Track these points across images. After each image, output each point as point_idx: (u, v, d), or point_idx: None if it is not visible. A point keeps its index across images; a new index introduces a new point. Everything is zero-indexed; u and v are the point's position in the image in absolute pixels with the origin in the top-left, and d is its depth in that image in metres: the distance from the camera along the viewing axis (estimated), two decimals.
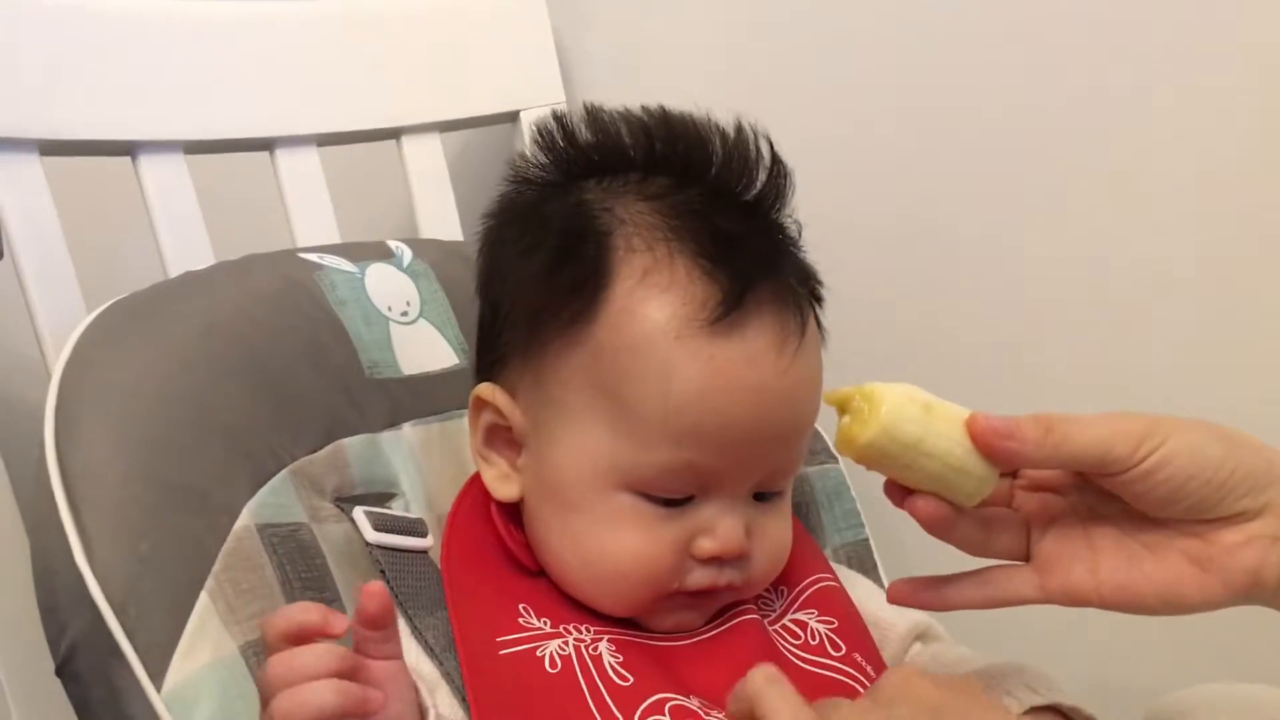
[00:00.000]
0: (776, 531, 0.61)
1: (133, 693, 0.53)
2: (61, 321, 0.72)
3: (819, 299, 0.62)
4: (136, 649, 0.53)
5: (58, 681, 0.61)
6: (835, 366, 0.64)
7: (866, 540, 0.79)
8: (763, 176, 0.60)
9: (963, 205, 0.94)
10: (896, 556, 0.80)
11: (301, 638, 0.48)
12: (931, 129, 0.94)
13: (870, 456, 0.51)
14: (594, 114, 0.62)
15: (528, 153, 0.63)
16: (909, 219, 0.96)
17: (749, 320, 0.56)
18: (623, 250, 0.57)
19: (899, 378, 0.53)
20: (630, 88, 0.69)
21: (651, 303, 0.56)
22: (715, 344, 0.55)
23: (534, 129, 0.63)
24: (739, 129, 0.60)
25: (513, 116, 0.96)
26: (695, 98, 0.63)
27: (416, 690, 0.52)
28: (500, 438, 0.62)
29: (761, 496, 0.60)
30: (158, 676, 0.52)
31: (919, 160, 0.95)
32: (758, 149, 0.60)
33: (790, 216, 0.62)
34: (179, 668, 0.53)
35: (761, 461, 0.58)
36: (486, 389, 0.61)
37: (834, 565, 0.72)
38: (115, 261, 0.78)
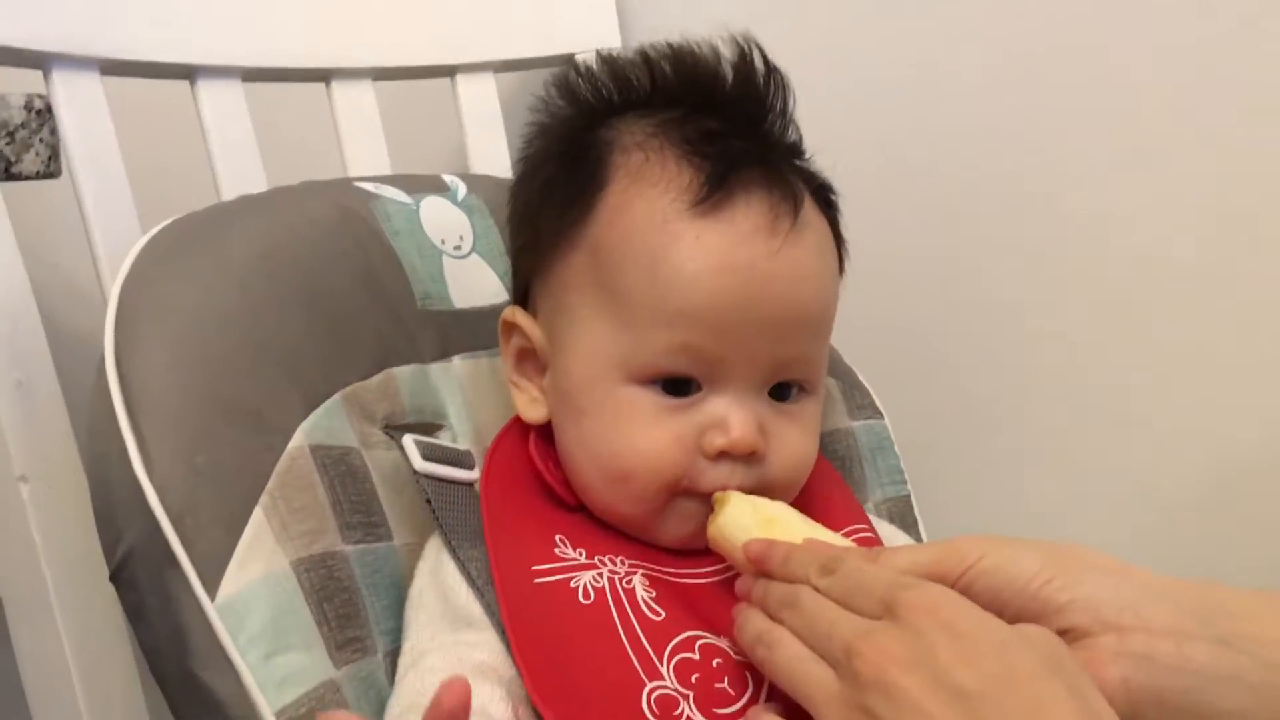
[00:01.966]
0: (795, 438, 0.60)
1: (186, 601, 0.53)
2: (117, 241, 0.72)
3: (831, 205, 0.63)
4: (192, 559, 0.53)
5: (104, 592, 0.62)
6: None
7: (908, 496, 0.79)
8: (759, 89, 0.62)
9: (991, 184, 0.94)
10: (938, 514, 0.80)
11: None
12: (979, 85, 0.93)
13: (717, 550, 0.58)
14: (609, 59, 0.65)
15: (550, 96, 0.65)
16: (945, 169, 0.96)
17: (736, 201, 0.58)
18: (619, 155, 0.61)
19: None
20: (686, 29, 0.69)
21: (642, 196, 0.59)
22: (701, 224, 0.57)
23: (553, 77, 0.66)
24: (741, 51, 0.62)
25: (568, 59, 0.96)
26: (750, 37, 0.63)
27: None
28: (529, 361, 0.64)
29: (779, 396, 0.60)
30: (211, 587, 0.53)
31: (968, 111, 0.94)
32: (755, 65, 0.62)
33: (794, 127, 0.64)
34: (233, 579, 0.53)
35: (762, 349, 0.58)
36: (509, 311, 0.64)
37: (875, 520, 0.72)
38: (169, 186, 0.78)
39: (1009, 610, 0.48)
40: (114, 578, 0.55)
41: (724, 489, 0.58)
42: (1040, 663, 0.44)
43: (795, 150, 0.63)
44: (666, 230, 0.57)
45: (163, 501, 0.53)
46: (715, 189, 0.57)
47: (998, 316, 0.95)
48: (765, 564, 0.53)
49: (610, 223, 0.59)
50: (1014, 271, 0.94)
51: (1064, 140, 0.91)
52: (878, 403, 0.81)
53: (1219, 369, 0.88)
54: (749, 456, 0.58)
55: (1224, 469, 0.88)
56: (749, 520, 0.56)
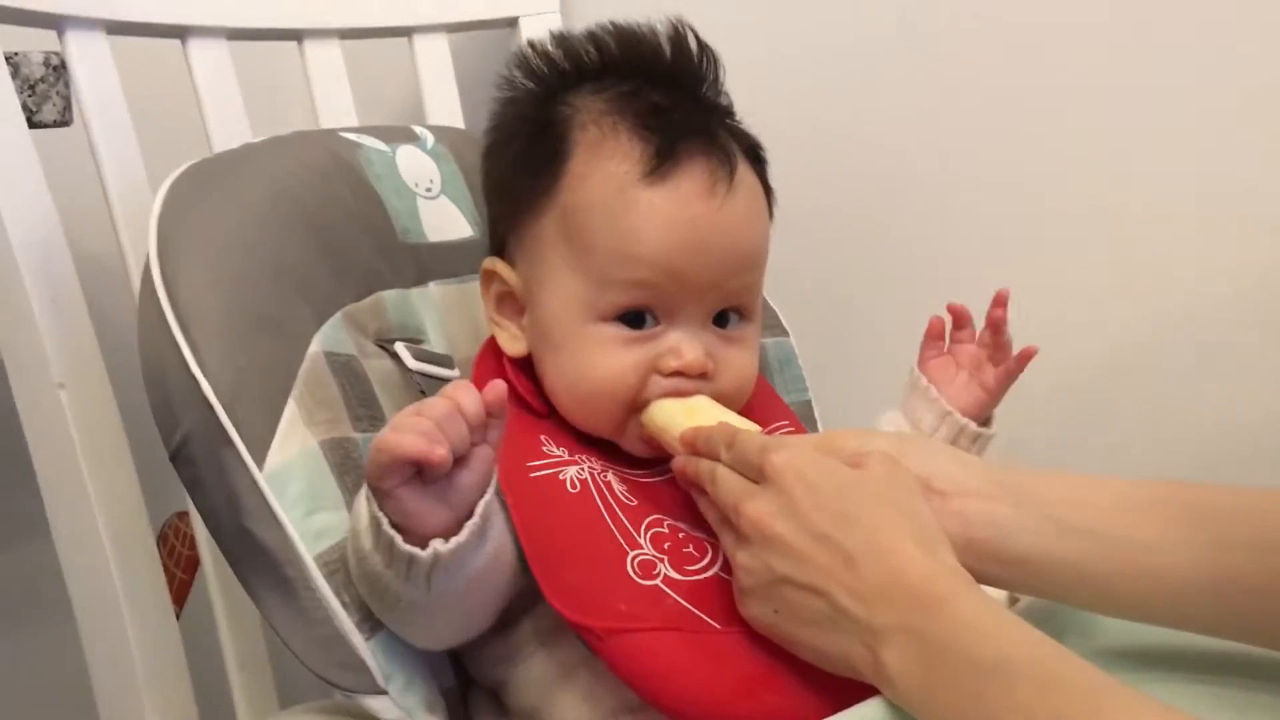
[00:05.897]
0: (739, 359, 0.72)
1: (238, 472, 0.65)
2: (124, 180, 0.83)
3: (761, 160, 0.75)
4: (243, 439, 0.65)
5: (130, 479, 0.74)
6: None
7: (809, 402, 0.93)
8: (694, 63, 0.73)
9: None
10: (836, 417, 0.94)
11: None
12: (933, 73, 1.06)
13: (648, 432, 0.70)
14: (561, 38, 0.74)
15: (511, 73, 0.75)
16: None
17: (681, 170, 0.68)
18: (578, 131, 0.70)
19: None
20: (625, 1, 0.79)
21: (601, 168, 0.69)
22: (652, 191, 0.68)
23: (514, 55, 0.76)
24: (675, 28, 0.73)
25: (512, 22, 1.07)
26: (687, 9, 0.74)
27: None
28: (508, 304, 0.74)
29: (721, 323, 0.71)
30: (259, 461, 0.64)
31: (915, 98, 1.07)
32: (689, 42, 0.72)
33: (724, 94, 0.75)
34: (275, 455, 0.65)
35: (708, 286, 0.69)
36: (490, 261, 0.74)
37: None
38: (165, 133, 0.89)
39: None
40: (173, 457, 0.66)
41: (678, 393, 0.70)
42: (874, 497, 0.59)
43: (728, 113, 0.75)
44: (623, 196, 0.68)
45: (216, 394, 0.65)
46: (663, 161, 0.68)
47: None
48: (693, 444, 0.67)
49: (575, 189, 0.69)
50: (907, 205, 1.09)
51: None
52: (784, 323, 0.95)
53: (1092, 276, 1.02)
54: (699, 377, 0.70)
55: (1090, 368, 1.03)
56: (675, 407, 0.69)
